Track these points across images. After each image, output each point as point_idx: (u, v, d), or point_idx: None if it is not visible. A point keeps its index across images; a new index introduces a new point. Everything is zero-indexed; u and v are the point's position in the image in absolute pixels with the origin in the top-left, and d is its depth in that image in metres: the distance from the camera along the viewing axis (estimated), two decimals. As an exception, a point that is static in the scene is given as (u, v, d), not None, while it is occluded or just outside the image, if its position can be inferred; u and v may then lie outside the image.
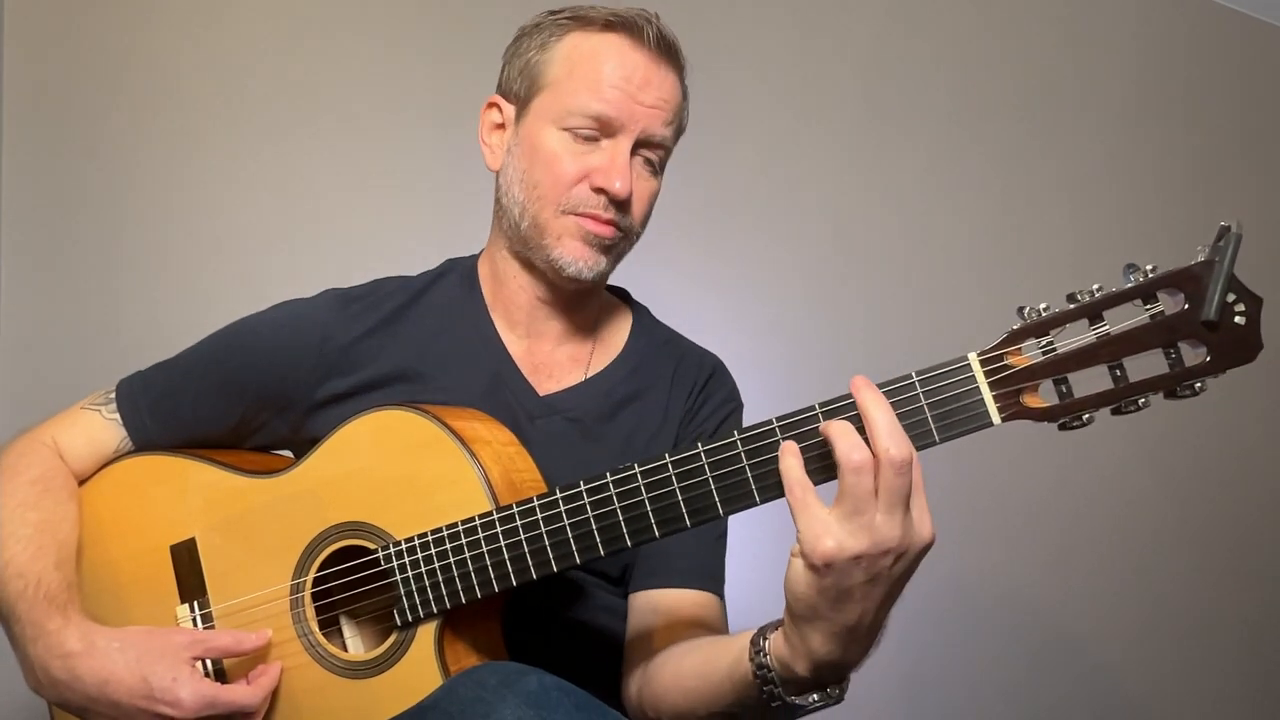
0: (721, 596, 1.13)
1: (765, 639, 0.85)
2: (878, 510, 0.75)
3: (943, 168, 2.26)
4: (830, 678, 0.82)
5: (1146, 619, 2.26)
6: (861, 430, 0.76)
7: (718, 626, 1.09)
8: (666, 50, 1.09)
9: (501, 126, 1.15)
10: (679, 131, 1.15)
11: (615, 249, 1.11)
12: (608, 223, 1.08)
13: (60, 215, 1.82)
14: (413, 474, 0.99)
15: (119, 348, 1.67)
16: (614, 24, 1.08)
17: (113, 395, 1.16)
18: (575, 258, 1.08)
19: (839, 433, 0.76)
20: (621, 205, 1.08)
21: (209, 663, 1.04)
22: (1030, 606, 2.19)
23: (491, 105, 1.16)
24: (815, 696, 0.83)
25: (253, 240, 1.89)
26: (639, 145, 1.08)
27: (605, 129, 1.07)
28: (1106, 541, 2.25)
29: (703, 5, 2.15)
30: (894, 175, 2.24)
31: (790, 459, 0.79)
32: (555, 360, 1.16)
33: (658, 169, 1.12)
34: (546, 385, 1.14)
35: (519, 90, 1.12)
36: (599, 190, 1.07)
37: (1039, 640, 2.19)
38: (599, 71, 1.06)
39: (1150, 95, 2.39)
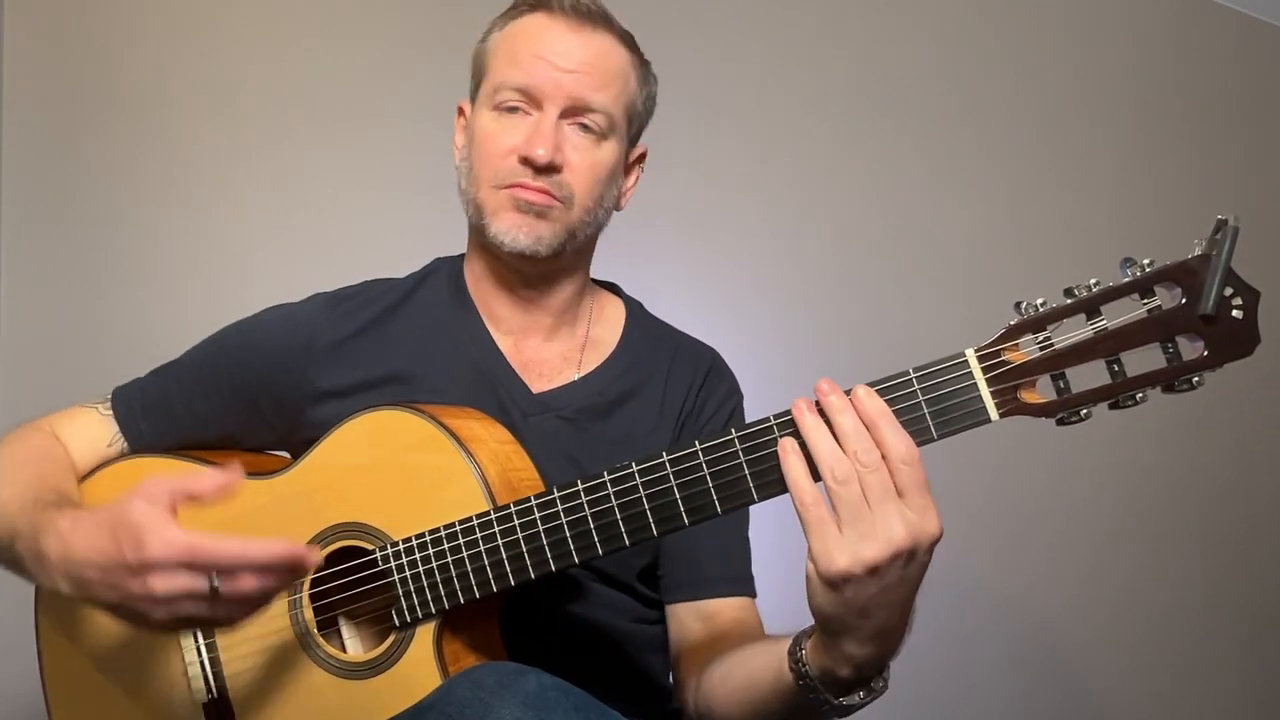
0: (755, 595, 1.15)
1: (802, 649, 0.86)
2: (872, 512, 0.75)
3: (940, 163, 2.25)
4: (871, 672, 0.83)
5: (1147, 629, 2.24)
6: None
7: (756, 627, 1.11)
8: (585, 14, 1.09)
9: (467, 127, 1.16)
10: (632, 100, 1.13)
11: (554, 218, 1.08)
12: (538, 190, 1.07)
13: (60, 219, 1.82)
14: (410, 474, 0.99)
15: (118, 351, 1.67)
16: (533, 5, 1.10)
17: (109, 397, 1.16)
18: (510, 227, 1.07)
19: (820, 447, 0.77)
20: (551, 171, 1.07)
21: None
22: (1028, 615, 2.17)
23: (460, 112, 1.19)
24: (861, 694, 0.84)
25: (255, 243, 1.89)
26: (569, 113, 1.08)
27: (530, 100, 1.08)
28: (1105, 548, 2.22)
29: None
30: (892, 170, 2.23)
31: (792, 458, 0.79)
32: (546, 358, 1.15)
33: (602, 136, 1.10)
34: (539, 384, 1.14)
35: (473, 88, 1.15)
36: (525, 161, 1.06)
37: (1036, 651, 2.18)
38: (517, 47, 1.09)
39: (1147, 93, 2.37)
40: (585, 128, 1.09)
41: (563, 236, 1.10)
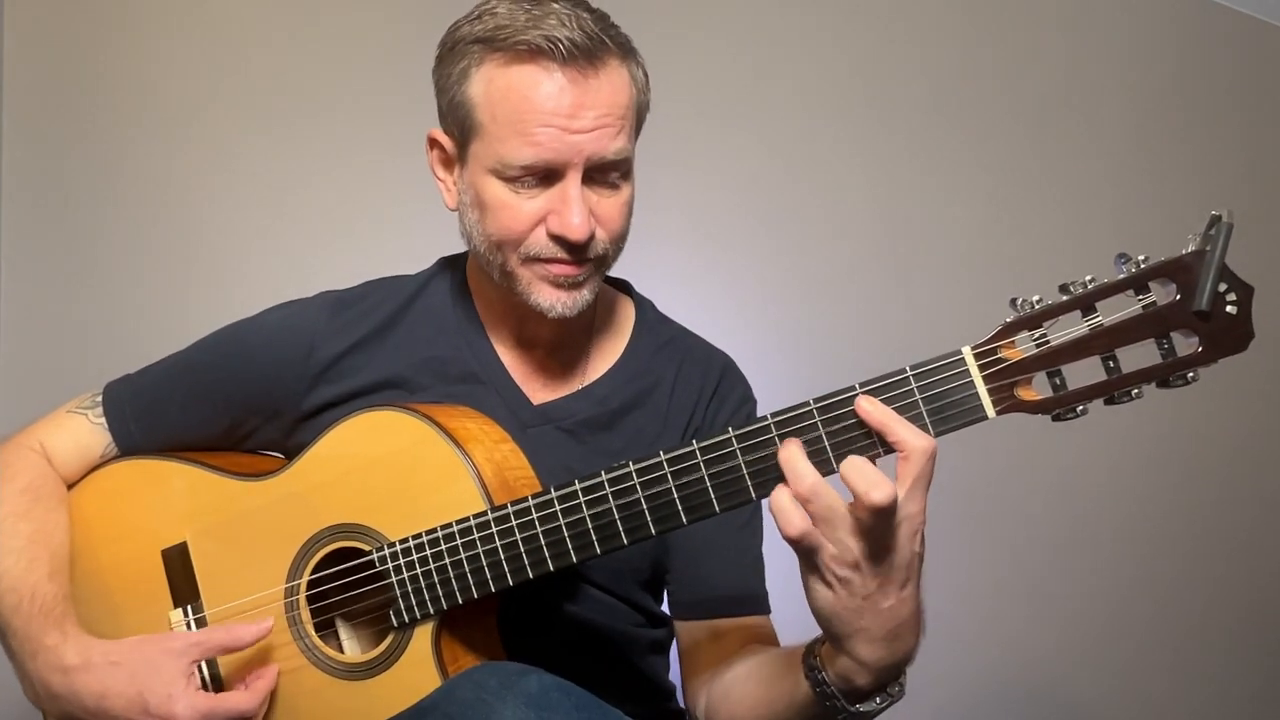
0: (768, 611, 1.13)
1: (816, 657, 0.86)
2: (860, 557, 0.77)
3: (937, 161, 2.24)
4: (889, 677, 0.84)
5: (1156, 632, 2.22)
6: (815, 456, 0.79)
7: (770, 641, 1.10)
8: (587, 53, 0.95)
9: (450, 162, 1.07)
10: (639, 123, 1.05)
11: (591, 278, 1.05)
12: (574, 263, 1.01)
13: (60, 218, 1.81)
14: (405, 474, 0.98)
15: (118, 349, 1.65)
16: (523, 53, 0.96)
17: (99, 399, 1.14)
18: (552, 301, 1.02)
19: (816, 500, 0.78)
20: (585, 242, 1.00)
21: (204, 668, 1.03)
22: (1028, 620, 2.17)
23: (434, 144, 1.07)
24: (879, 699, 0.84)
25: (254, 241, 1.88)
26: (591, 173, 0.98)
27: (546, 173, 0.98)
28: (1108, 547, 2.23)
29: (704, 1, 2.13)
30: (889, 168, 2.21)
31: (785, 502, 0.79)
32: (550, 367, 1.12)
33: (623, 178, 1.03)
34: (541, 394, 1.11)
35: (453, 130, 1.03)
36: (556, 237, 1.00)
37: (1036, 656, 2.18)
38: (520, 114, 0.96)
39: (1147, 92, 2.36)
40: (609, 182, 1.01)
41: (598, 288, 1.07)
